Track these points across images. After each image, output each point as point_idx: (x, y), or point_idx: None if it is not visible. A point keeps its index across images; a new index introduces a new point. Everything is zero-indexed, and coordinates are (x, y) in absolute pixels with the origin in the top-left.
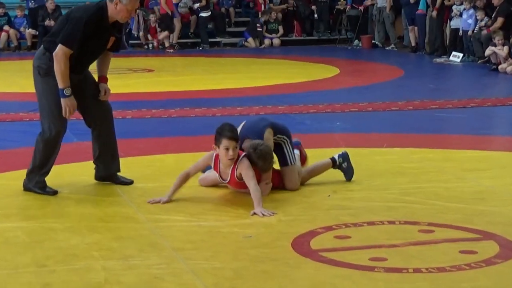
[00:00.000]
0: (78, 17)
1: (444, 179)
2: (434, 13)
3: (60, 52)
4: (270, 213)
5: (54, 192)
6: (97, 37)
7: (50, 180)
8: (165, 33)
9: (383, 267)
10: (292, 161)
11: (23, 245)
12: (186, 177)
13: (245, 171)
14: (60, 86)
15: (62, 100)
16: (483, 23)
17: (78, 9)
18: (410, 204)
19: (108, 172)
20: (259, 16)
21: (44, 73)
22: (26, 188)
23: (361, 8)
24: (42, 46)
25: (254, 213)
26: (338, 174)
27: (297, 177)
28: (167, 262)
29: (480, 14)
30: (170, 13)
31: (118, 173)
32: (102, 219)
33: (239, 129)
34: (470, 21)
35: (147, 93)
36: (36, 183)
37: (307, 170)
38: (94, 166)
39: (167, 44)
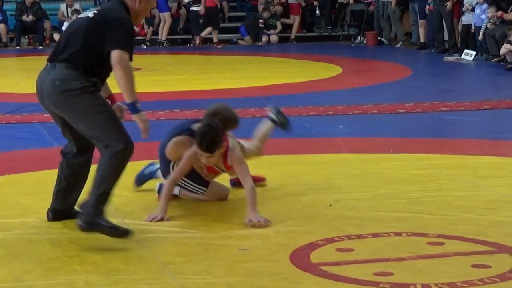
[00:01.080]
0: (124, 18)
1: (456, 187)
2: (450, 4)
3: (124, 59)
4: (266, 220)
5: (127, 231)
6: None
7: (30, 188)
8: (209, 29)
9: (389, 283)
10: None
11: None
12: (173, 185)
13: (239, 165)
14: (131, 99)
15: (136, 116)
16: (495, 22)
17: (111, 11)
18: (419, 214)
19: (66, 206)
20: (260, 11)
21: (88, 90)
22: (94, 224)
23: (371, 6)
24: (69, 65)
25: (250, 220)
26: (340, 181)
27: None
28: (155, 276)
29: (491, 11)
30: (219, 6)
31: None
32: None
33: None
34: (483, 16)
35: None
36: (103, 215)
37: (258, 140)
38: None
39: (215, 40)
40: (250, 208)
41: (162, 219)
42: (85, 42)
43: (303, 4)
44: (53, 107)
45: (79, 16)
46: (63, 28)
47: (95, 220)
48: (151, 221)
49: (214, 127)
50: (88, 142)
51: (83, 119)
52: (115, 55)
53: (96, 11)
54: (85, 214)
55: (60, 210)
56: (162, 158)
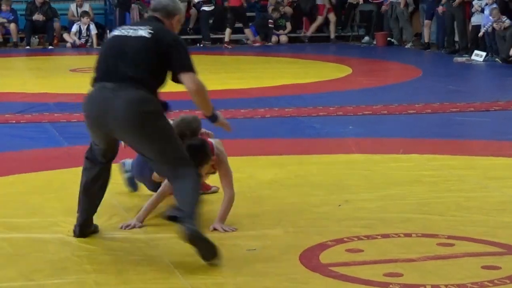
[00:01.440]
0: (182, 39)
1: (466, 189)
2: (457, 1)
3: (198, 81)
4: (233, 229)
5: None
6: None
7: (39, 187)
8: (248, 30)
9: (398, 284)
10: None
11: (8, 258)
12: (163, 197)
13: (224, 177)
14: (210, 112)
15: (218, 123)
16: (499, 24)
17: (167, 32)
18: (429, 215)
19: (89, 219)
20: (270, 11)
21: (163, 112)
22: (199, 237)
23: (384, 6)
24: (141, 85)
25: (214, 228)
26: (350, 182)
27: None
28: (164, 277)
29: (495, 13)
30: (245, 5)
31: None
32: (94, 230)
33: None
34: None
35: None
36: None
37: None
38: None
39: (226, 39)
40: (219, 217)
41: (134, 227)
42: (149, 63)
43: (328, 6)
44: (122, 129)
45: (127, 33)
46: (106, 38)
47: (200, 234)
48: (125, 228)
49: (202, 146)
50: (114, 155)
51: (159, 142)
52: (190, 80)
53: (151, 31)
54: (191, 222)
55: (86, 225)
56: (147, 181)
